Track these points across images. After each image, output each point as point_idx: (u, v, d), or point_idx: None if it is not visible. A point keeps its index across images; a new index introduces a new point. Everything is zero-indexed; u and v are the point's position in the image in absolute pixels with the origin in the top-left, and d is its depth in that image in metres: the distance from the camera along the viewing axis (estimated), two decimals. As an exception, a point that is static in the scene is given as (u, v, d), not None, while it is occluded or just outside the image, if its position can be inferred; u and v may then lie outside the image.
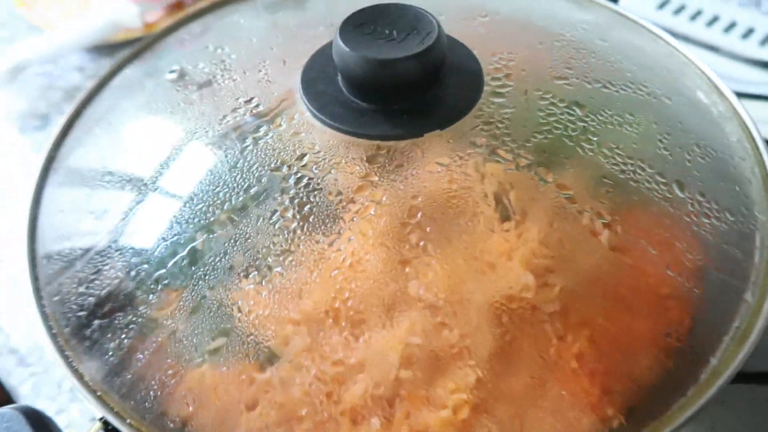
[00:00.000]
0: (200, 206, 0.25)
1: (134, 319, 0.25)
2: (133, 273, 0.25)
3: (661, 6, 0.49)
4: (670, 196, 0.25)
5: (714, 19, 0.47)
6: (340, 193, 0.24)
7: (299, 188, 0.25)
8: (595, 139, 0.26)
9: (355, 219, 0.24)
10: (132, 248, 0.26)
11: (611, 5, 0.35)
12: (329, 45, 0.28)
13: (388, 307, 0.23)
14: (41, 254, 0.26)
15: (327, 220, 0.24)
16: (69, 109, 0.32)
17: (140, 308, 0.25)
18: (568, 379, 0.23)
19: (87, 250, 0.26)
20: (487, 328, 0.23)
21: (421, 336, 0.23)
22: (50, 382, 0.35)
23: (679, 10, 0.48)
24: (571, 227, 0.24)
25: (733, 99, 0.30)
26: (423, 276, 0.23)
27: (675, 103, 0.29)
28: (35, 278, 0.25)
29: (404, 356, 0.23)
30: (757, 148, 0.28)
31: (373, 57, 0.25)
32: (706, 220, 0.25)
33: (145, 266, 0.25)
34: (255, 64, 0.30)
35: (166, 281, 0.25)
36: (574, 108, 0.27)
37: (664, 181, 0.26)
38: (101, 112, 0.32)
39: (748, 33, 0.46)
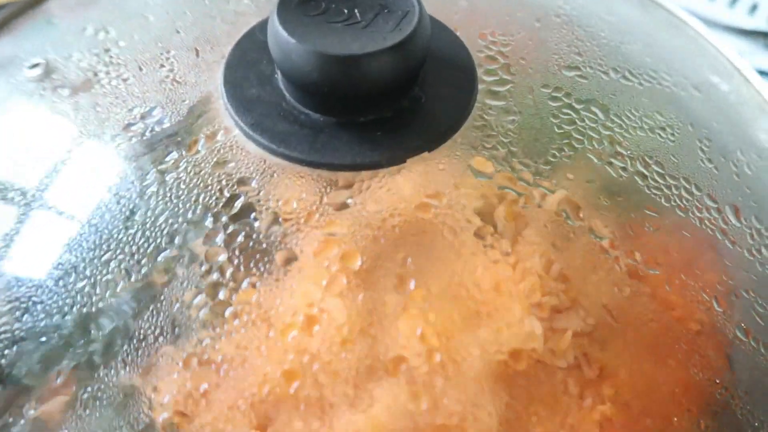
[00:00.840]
0: (82, 282, 0.17)
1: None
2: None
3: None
4: (725, 226, 0.20)
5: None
6: (289, 250, 0.17)
7: (231, 246, 0.17)
8: (627, 153, 0.20)
9: (318, 280, 0.17)
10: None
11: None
12: (260, 27, 0.20)
13: (359, 379, 0.17)
14: None
15: (273, 283, 0.17)
16: None
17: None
18: None
19: None
20: (488, 399, 0.17)
21: (404, 417, 0.16)
22: None
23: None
24: (593, 261, 0.18)
25: (765, 89, 0.24)
26: (393, 338, 0.17)
27: (706, 95, 0.23)
28: None
29: None
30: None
31: (330, 52, 0.17)
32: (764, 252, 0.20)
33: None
34: (154, 55, 0.21)
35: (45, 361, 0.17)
36: (594, 109, 0.20)
37: (716, 206, 0.20)
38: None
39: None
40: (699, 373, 0.19)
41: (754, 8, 0.45)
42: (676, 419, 0.19)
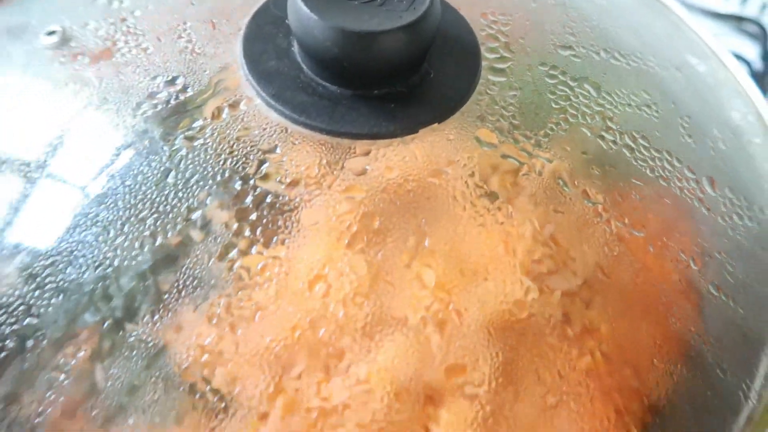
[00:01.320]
0: (120, 238, 0.18)
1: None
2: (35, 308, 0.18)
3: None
4: (702, 195, 0.22)
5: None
6: (312, 210, 0.18)
7: (258, 207, 0.18)
8: (617, 128, 0.22)
9: (334, 237, 0.18)
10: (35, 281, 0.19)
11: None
12: (274, 2, 0.21)
13: (367, 332, 0.18)
14: None
15: (294, 241, 0.18)
16: None
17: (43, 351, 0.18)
18: (579, 401, 0.20)
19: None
20: (485, 347, 0.19)
21: (411, 365, 0.18)
22: None
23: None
24: (583, 224, 0.20)
25: (738, 71, 0.26)
26: (407, 291, 0.18)
27: (686, 76, 0.25)
28: None
29: (393, 391, 0.18)
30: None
31: (349, 28, 0.18)
32: (740, 222, 0.22)
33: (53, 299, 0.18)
34: (171, 26, 0.22)
35: (74, 316, 0.18)
36: (587, 87, 0.22)
37: (694, 177, 0.22)
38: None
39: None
40: (677, 323, 0.21)
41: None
42: (656, 361, 0.21)
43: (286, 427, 0.18)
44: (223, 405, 0.18)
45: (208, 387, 0.18)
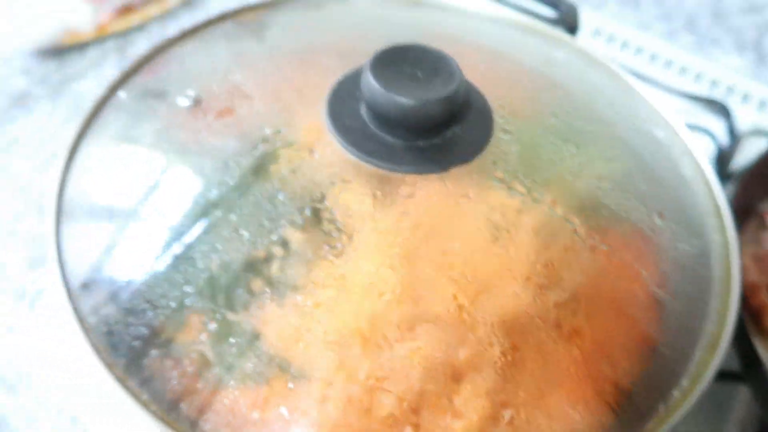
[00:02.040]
0: (241, 236, 0.26)
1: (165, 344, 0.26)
2: (163, 300, 0.26)
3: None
4: (652, 224, 0.30)
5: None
6: (374, 224, 0.27)
7: (338, 222, 0.26)
8: (591, 174, 0.30)
9: (387, 247, 0.26)
10: (164, 275, 0.27)
11: (578, 44, 0.39)
12: (349, 78, 0.30)
13: (407, 325, 0.26)
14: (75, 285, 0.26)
15: (359, 248, 0.26)
16: (73, 132, 0.31)
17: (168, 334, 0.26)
18: (567, 384, 0.27)
19: (124, 280, 0.26)
20: (495, 340, 0.26)
21: (440, 350, 0.25)
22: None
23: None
24: (570, 250, 0.28)
25: (687, 136, 0.35)
26: (439, 296, 0.26)
27: (647, 139, 0.34)
28: (76, 309, 0.25)
29: (426, 369, 0.25)
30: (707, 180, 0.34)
31: (407, 100, 0.27)
32: (680, 245, 0.30)
33: (174, 292, 0.26)
34: (276, 91, 0.31)
35: (190, 305, 0.26)
36: (570, 145, 0.31)
37: (646, 211, 0.30)
38: (112, 137, 0.32)
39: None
40: (640, 324, 0.28)
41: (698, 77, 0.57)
42: (624, 353, 0.28)
43: (345, 391, 0.25)
44: (298, 374, 0.25)
45: (288, 363, 0.25)
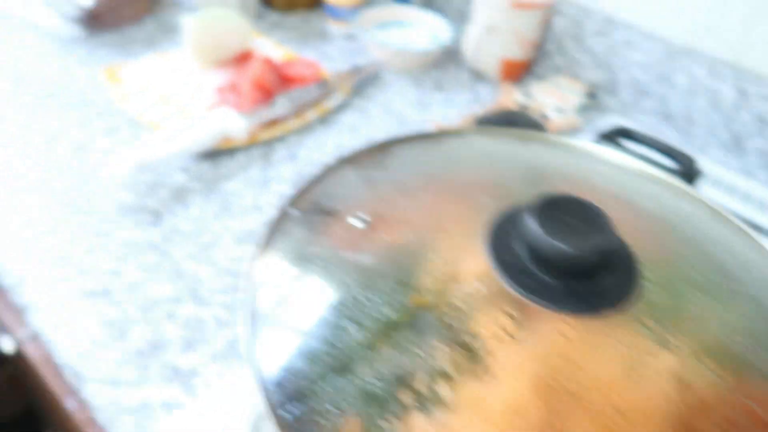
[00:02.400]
0: (401, 353, 0.30)
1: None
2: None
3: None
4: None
5: None
6: (522, 354, 0.30)
7: (487, 350, 0.30)
8: (730, 329, 0.32)
9: (534, 378, 0.29)
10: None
11: (701, 196, 0.43)
12: (505, 217, 0.35)
13: None
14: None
15: (505, 375, 0.29)
16: (254, 245, 0.37)
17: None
18: None
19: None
20: None
21: None
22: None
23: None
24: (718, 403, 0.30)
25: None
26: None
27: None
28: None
29: None
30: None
31: (564, 246, 0.31)
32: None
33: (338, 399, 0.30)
34: (432, 225, 0.36)
35: (348, 410, 0.29)
36: (709, 300, 0.33)
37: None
38: (288, 250, 0.37)
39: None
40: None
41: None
42: None
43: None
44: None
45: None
